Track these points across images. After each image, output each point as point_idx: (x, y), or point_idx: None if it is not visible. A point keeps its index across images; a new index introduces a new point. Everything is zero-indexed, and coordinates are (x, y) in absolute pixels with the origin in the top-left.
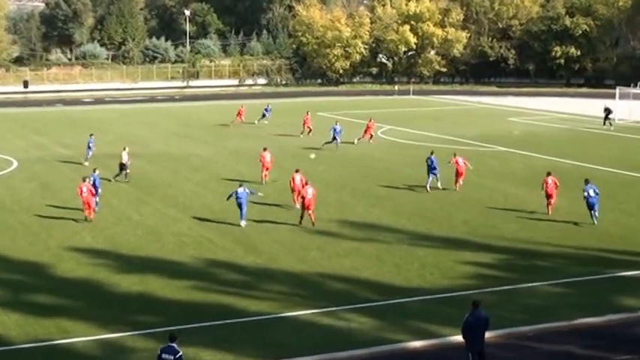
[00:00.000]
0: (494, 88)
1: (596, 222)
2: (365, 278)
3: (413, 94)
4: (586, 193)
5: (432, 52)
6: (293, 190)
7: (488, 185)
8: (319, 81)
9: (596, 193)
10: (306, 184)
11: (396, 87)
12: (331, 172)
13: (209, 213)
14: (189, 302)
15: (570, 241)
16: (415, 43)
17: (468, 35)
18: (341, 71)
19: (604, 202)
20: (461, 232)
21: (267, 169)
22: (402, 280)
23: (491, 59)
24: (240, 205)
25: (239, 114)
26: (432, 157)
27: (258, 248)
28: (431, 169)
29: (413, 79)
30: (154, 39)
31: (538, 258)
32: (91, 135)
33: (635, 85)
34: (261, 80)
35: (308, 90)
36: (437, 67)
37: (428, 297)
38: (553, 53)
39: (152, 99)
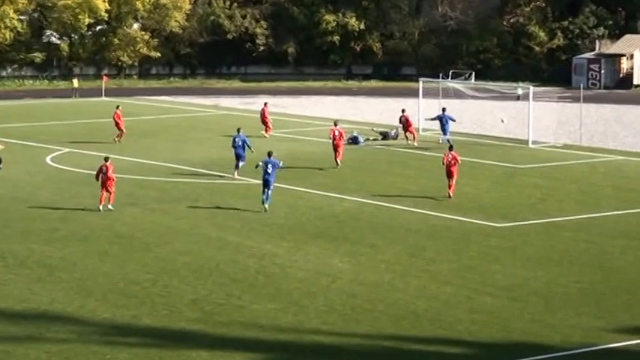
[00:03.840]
0: (237, 84)
1: (267, 207)
2: None
3: (106, 94)
4: (261, 164)
5: (136, 26)
6: None
7: (232, 241)
8: None
9: (275, 167)
10: None
11: (76, 83)
12: None
13: None
14: None
15: (357, 326)
16: (107, 11)
17: None
18: None
19: (406, 262)
20: (191, 317)
21: None
22: None
23: (230, 37)
24: None
25: (118, 120)
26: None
27: None
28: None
29: (105, 72)
30: None
31: (311, 354)
32: None
33: (446, 76)
34: None
35: None
36: (144, 50)
37: None
38: (323, 25)
39: None
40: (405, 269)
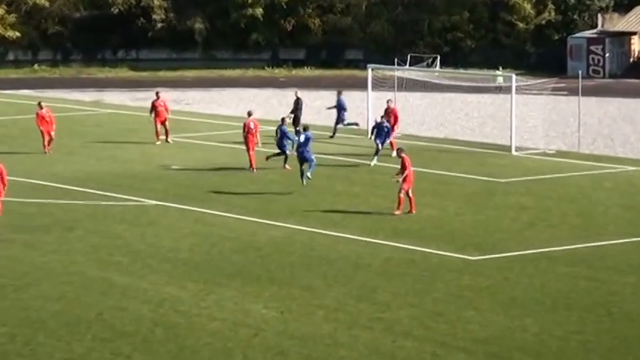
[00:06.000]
0: (126, 73)
1: (310, 175)
2: None
3: None
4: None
5: None
6: None
7: (119, 282)
8: None
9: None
10: None
11: None
12: None
13: None
14: None
15: None
16: None
17: None
18: None
19: (352, 309)
20: None
21: None
22: None
23: (116, 11)
24: None
25: (40, 125)
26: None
27: None
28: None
29: None
30: None
31: None
32: None
33: (403, 61)
34: None
35: None
36: (1, 31)
37: None
38: None
39: None
40: (351, 318)
